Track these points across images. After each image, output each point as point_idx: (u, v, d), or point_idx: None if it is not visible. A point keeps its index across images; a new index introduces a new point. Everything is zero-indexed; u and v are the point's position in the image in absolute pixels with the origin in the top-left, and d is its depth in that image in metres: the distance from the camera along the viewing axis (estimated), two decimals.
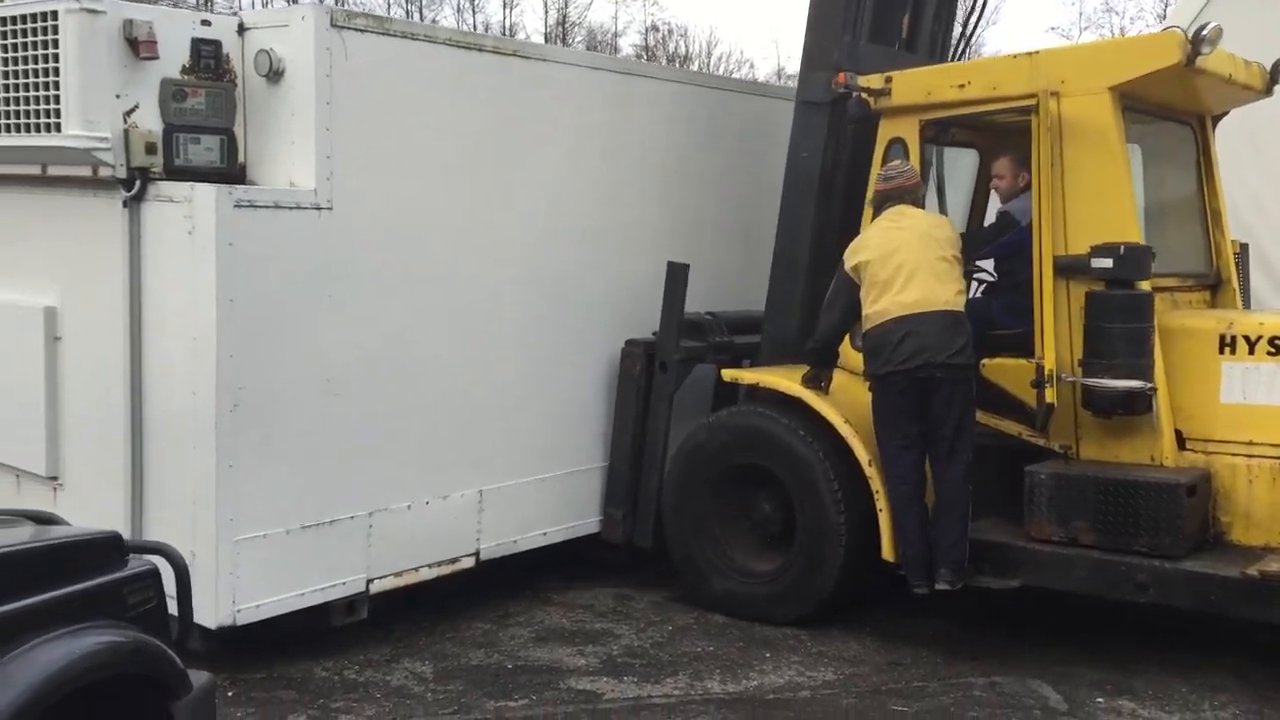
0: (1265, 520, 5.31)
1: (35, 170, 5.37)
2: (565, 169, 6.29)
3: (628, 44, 36.94)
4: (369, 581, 5.52)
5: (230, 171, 5.26)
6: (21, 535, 3.20)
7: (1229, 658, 5.58)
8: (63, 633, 2.88)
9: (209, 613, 4.97)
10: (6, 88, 5.09)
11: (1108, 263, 5.28)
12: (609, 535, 6.66)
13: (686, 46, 36.58)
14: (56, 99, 4.88)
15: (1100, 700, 5.19)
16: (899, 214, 5.72)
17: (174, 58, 5.06)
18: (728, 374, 6.47)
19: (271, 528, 5.10)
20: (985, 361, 5.74)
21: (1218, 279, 6.35)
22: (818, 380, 5.95)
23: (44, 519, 3.48)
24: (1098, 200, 5.49)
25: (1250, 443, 5.37)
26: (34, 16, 4.90)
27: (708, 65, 34.89)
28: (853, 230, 6.34)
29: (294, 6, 5.17)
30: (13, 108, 5.08)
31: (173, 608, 3.35)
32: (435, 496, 5.79)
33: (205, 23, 5.17)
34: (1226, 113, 6.50)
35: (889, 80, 6.09)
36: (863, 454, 5.74)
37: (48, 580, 2.94)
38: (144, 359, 5.12)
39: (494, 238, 5.96)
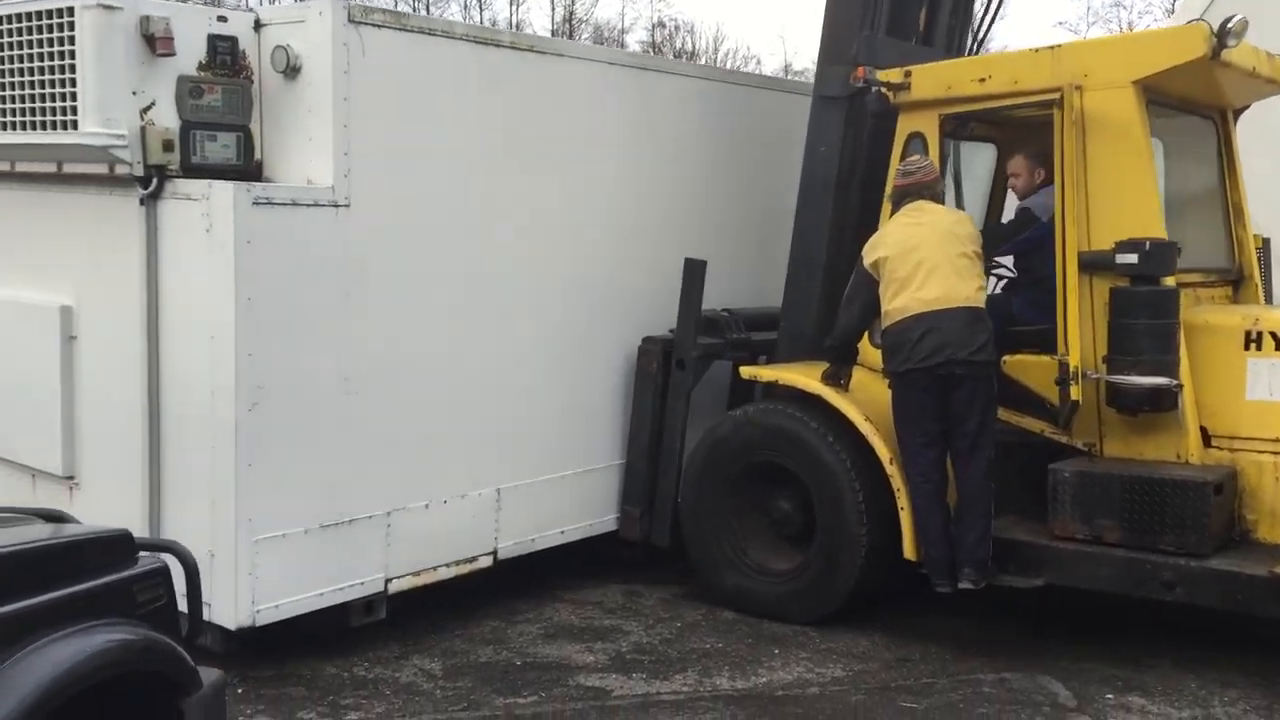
0: None
1: (51, 168, 5.33)
2: (583, 165, 6.24)
3: (634, 40, 36.91)
4: (387, 581, 5.49)
5: (247, 169, 5.22)
6: (32, 533, 3.20)
7: (1239, 654, 5.55)
8: (73, 630, 2.89)
9: (228, 613, 4.94)
10: (23, 85, 5.05)
11: (1133, 259, 5.24)
12: (626, 533, 6.62)
13: (693, 43, 36.54)
14: (73, 96, 4.84)
15: (1110, 696, 5.17)
16: (918, 210, 5.67)
17: (190, 54, 5.02)
18: (746, 371, 6.43)
19: (290, 527, 5.07)
20: (1006, 358, 5.69)
21: (1240, 274, 6.30)
22: (837, 377, 5.90)
23: (54, 517, 3.49)
24: (1121, 195, 5.44)
25: (1276, 439, 5.32)
26: (50, 13, 4.86)
27: (714, 62, 34.84)
28: (870, 226, 6.29)
29: (311, 2, 5.11)
30: (29, 105, 5.04)
31: (184, 605, 3.33)
32: (453, 495, 5.75)
33: (221, 19, 5.12)
34: (1247, 106, 6.45)
35: (908, 74, 6.04)
36: (884, 452, 5.70)
37: (58, 578, 2.95)
38: (161, 358, 5.08)
39: (512, 235, 5.92)
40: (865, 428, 5.77)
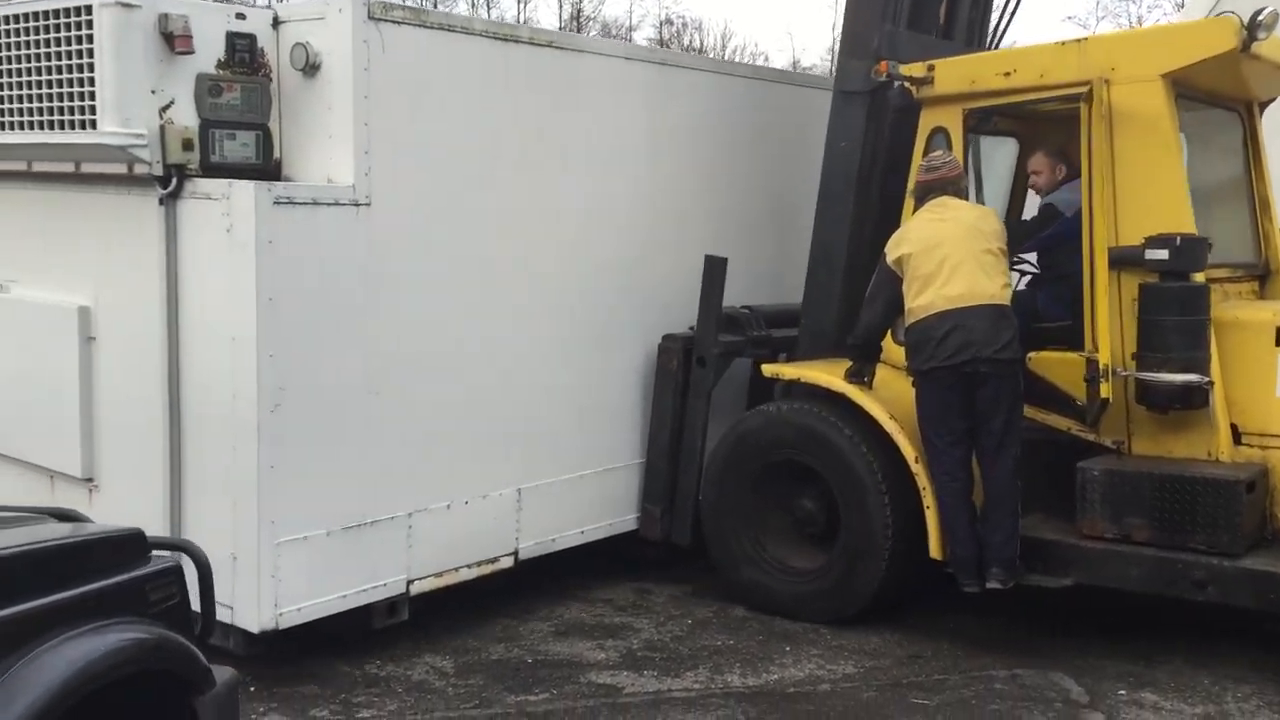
0: None
1: (68, 167, 5.28)
2: (602, 162, 6.18)
3: (642, 38, 36.80)
4: (409, 583, 5.44)
5: (266, 168, 5.17)
6: (45, 532, 3.19)
7: (1252, 650, 5.51)
8: (87, 629, 2.88)
9: (250, 616, 4.90)
10: (40, 84, 5.00)
11: (1163, 254, 5.18)
12: (646, 532, 6.57)
13: (701, 40, 36.39)
14: (91, 95, 4.78)
15: (1123, 692, 5.15)
16: (942, 205, 5.60)
17: (209, 52, 4.96)
18: (768, 369, 6.37)
19: (313, 529, 5.02)
20: (1031, 355, 5.63)
21: (1266, 269, 6.24)
22: (860, 375, 5.84)
23: (67, 516, 3.48)
24: (1149, 191, 5.38)
25: None
26: (69, 11, 4.80)
27: (723, 59, 34.70)
28: (892, 222, 6.23)
29: None
30: (46, 104, 4.99)
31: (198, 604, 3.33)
32: (475, 496, 5.70)
33: (240, 16, 5.06)
34: (1273, 99, 6.38)
35: (931, 68, 5.98)
36: (909, 450, 5.64)
37: (72, 577, 2.95)
38: (181, 359, 5.03)
39: (534, 234, 5.87)
40: (890, 426, 5.71)
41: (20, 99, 5.11)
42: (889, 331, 6.10)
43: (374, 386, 5.19)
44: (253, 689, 4.93)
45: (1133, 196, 5.39)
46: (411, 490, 5.40)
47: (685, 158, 6.64)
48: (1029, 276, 6.37)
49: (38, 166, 5.46)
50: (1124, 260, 5.34)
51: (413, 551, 5.43)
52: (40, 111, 5.03)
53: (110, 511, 4.82)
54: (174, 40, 4.77)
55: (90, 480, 5.46)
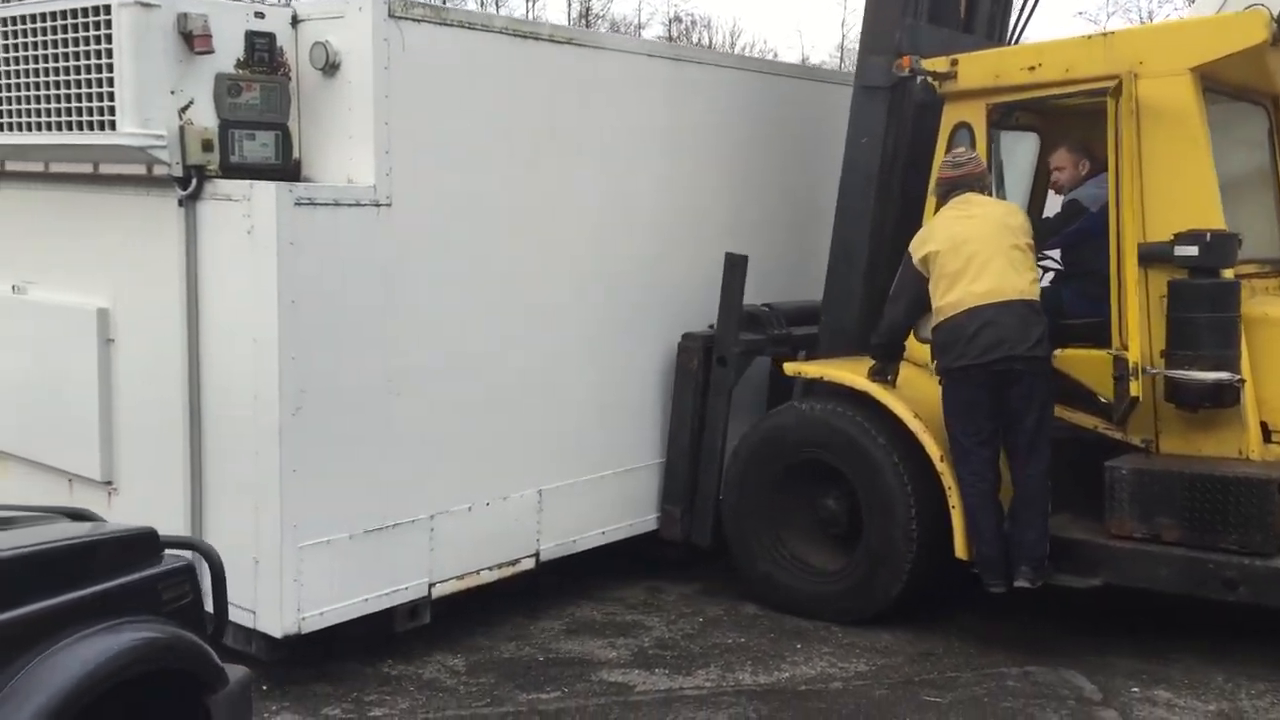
0: None
1: (86, 168, 5.24)
2: (622, 159, 6.12)
3: (650, 35, 36.62)
4: (431, 586, 5.40)
5: (285, 168, 5.12)
6: (58, 532, 3.21)
7: (1266, 647, 5.47)
8: (100, 628, 2.90)
9: (273, 621, 4.86)
10: (58, 85, 4.95)
11: (1193, 251, 5.11)
12: (666, 533, 6.52)
13: (710, 37, 36.24)
14: (110, 96, 4.73)
15: (1135, 690, 5.12)
16: (967, 202, 5.54)
17: (228, 51, 4.91)
18: (790, 367, 6.32)
19: (335, 533, 4.98)
20: (1055, 352, 5.56)
21: None
22: (884, 374, 5.78)
23: (80, 515, 3.49)
24: (1178, 186, 5.32)
25: None
26: (87, 10, 4.75)
27: (742, 55, 34.50)
28: (913, 218, 6.18)
29: None
30: (64, 105, 4.94)
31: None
32: (496, 497, 5.66)
33: (259, 15, 5.01)
34: None
35: (955, 63, 5.92)
36: (933, 449, 5.59)
37: (85, 576, 2.96)
38: (201, 361, 4.99)
39: (553, 232, 5.82)
40: (914, 424, 5.66)
41: (38, 99, 5.06)
42: (911, 329, 6.07)
43: (395, 388, 5.15)
44: (265, 687, 4.92)
45: (1160, 192, 5.33)
46: (433, 492, 5.36)
47: (704, 154, 6.58)
48: (1051, 273, 6.30)
49: (55, 167, 5.42)
50: (1153, 256, 5.28)
51: (434, 554, 5.39)
52: (58, 112, 4.98)
53: (129, 514, 4.76)
54: (193, 40, 4.73)
55: (109, 483, 5.42)
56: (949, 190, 5.62)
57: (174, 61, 4.76)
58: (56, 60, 4.93)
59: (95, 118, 4.83)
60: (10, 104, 5.20)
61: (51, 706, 2.71)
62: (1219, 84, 5.61)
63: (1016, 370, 5.24)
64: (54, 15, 4.91)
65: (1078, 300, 5.79)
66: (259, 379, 4.79)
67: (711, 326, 6.48)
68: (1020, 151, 6.96)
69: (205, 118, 4.87)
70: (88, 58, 4.80)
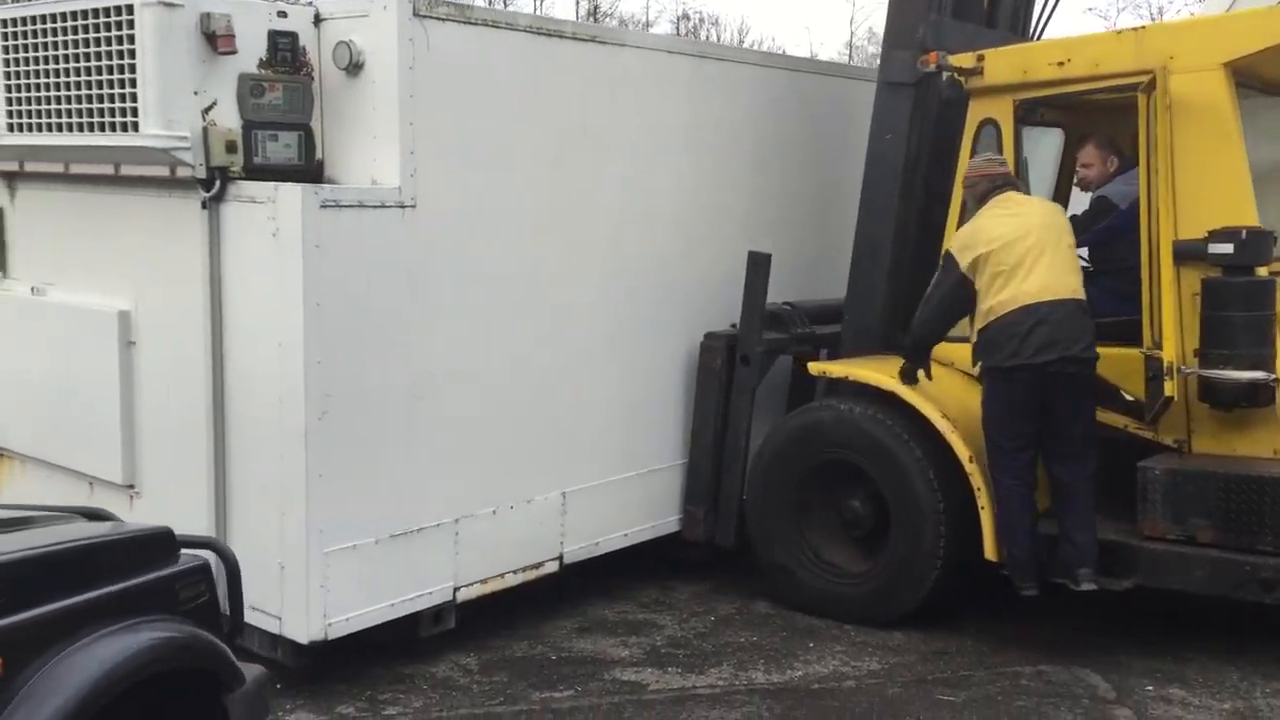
0: None
1: (107, 170, 5.18)
2: (645, 157, 6.06)
3: (658, 33, 36.50)
4: (456, 590, 5.35)
5: (308, 169, 5.07)
6: (76, 531, 3.21)
7: None
8: (118, 628, 2.91)
9: (299, 627, 4.82)
10: (80, 85, 4.90)
11: (1228, 248, 5.05)
12: (689, 534, 6.47)
13: (718, 35, 36.11)
14: (133, 97, 4.68)
15: (1150, 688, 5.10)
16: (1010, 200, 5.45)
17: (251, 51, 4.85)
18: (814, 367, 6.26)
19: (361, 538, 4.93)
20: None
21: None
22: (913, 375, 5.69)
23: (97, 515, 3.51)
24: (1211, 182, 5.24)
25: None
26: (109, 10, 4.70)
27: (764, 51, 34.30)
28: (937, 216, 6.13)
29: None
30: (86, 105, 4.89)
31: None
32: (520, 501, 5.61)
33: (282, 14, 4.95)
34: None
35: (981, 59, 5.85)
36: (962, 450, 5.53)
37: (102, 576, 2.97)
38: (225, 364, 4.94)
39: (577, 232, 5.76)
40: (942, 425, 5.60)
41: (60, 100, 5.01)
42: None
43: (420, 391, 5.10)
44: (280, 685, 4.89)
45: (1192, 188, 5.25)
46: (457, 496, 5.31)
47: (726, 151, 6.52)
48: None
49: (75, 168, 5.36)
50: (1186, 254, 5.21)
51: (459, 558, 5.34)
52: (80, 113, 4.92)
53: (151, 518, 4.69)
54: (217, 40, 4.67)
55: (131, 487, 5.38)
56: (990, 189, 5.49)
57: (197, 62, 4.71)
58: (78, 61, 4.88)
59: (118, 119, 4.78)
60: (32, 104, 5.15)
61: (70, 707, 2.71)
62: (1251, 79, 5.54)
63: (1069, 372, 5.17)
64: (76, 15, 4.86)
65: (1106, 298, 5.71)
66: (284, 382, 4.74)
67: (734, 325, 6.43)
68: (1044, 148, 6.91)
69: (228, 119, 4.81)
70: (110, 58, 4.75)
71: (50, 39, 4.99)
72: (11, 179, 5.89)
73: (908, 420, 5.72)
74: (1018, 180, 5.57)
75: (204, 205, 4.85)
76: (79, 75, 4.90)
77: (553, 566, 5.83)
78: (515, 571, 5.64)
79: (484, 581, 5.49)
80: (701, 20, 37.34)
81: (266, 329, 4.78)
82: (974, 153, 5.91)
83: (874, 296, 6.34)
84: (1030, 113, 6.05)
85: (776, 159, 6.81)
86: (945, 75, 5.93)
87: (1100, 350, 5.52)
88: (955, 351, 5.99)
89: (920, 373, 5.67)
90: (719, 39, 36.15)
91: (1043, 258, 5.23)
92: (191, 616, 3.15)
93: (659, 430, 6.33)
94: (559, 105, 5.59)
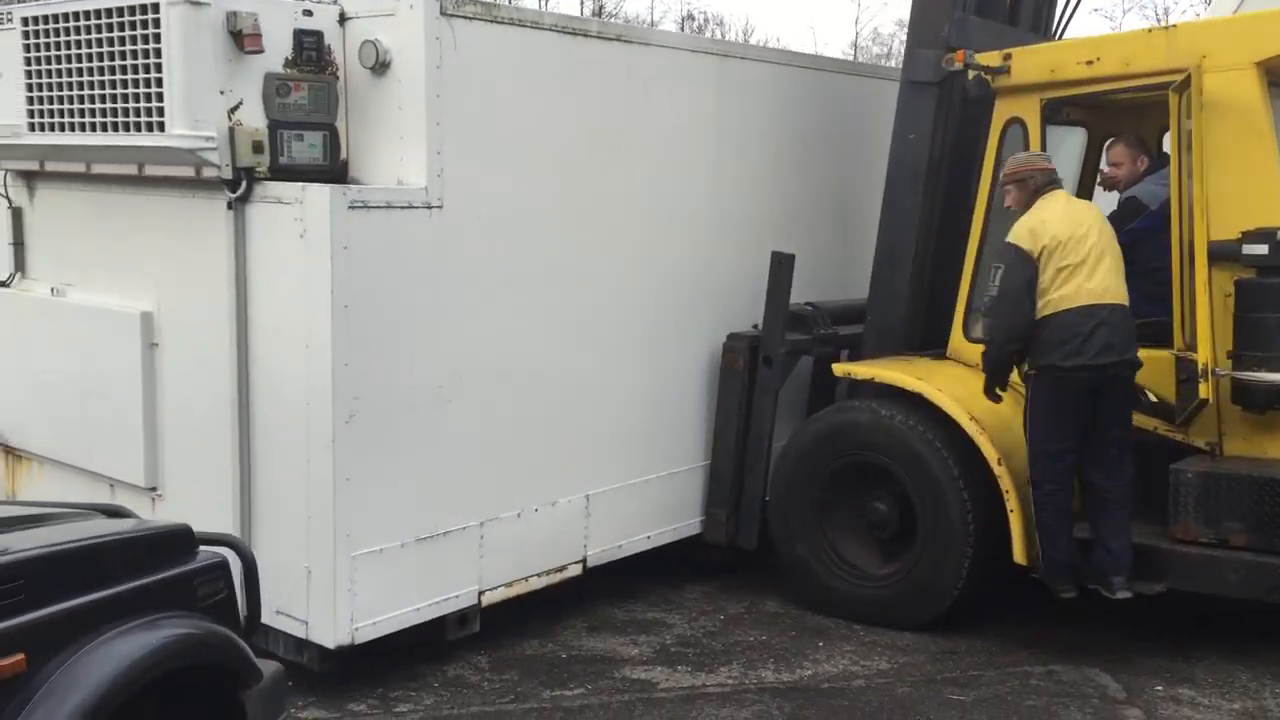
0: None
1: (130, 170, 5.13)
2: (669, 157, 6.01)
3: None
4: (480, 593, 5.31)
5: (333, 169, 5.02)
6: (97, 528, 3.21)
7: None
8: (138, 624, 2.93)
9: (326, 632, 4.78)
10: (104, 85, 4.84)
11: (1262, 249, 5.02)
12: (711, 536, 6.42)
13: (723, 36, 35.99)
14: (159, 96, 4.63)
15: (1160, 688, 5.09)
16: (1064, 197, 5.40)
17: (276, 51, 4.80)
18: (839, 368, 6.22)
19: (388, 542, 4.88)
20: None
21: None
22: (994, 390, 5.36)
23: (116, 512, 3.52)
24: (1243, 183, 5.20)
25: None
26: (135, 9, 4.64)
27: (787, 51, 34.19)
28: (962, 216, 6.09)
29: None
30: (111, 105, 4.84)
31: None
32: (544, 503, 5.56)
33: (307, 13, 4.90)
34: None
35: (1008, 57, 5.82)
36: (990, 452, 5.48)
37: (122, 572, 2.99)
38: (251, 367, 4.89)
39: (603, 232, 5.71)
40: (970, 427, 5.55)
41: (83, 100, 4.96)
42: (960, 325, 5.96)
43: (447, 393, 5.05)
44: (291, 683, 4.82)
45: (1225, 188, 5.21)
46: (483, 499, 5.27)
47: (748, 150, 6.47)
48: None
49: (97, 168, 5.32)
50: (1219, 255, 5.17)
51: (484, 561, 5.30)
52: (105, 113, 4.87)
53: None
54: (243, 39, 4.61)
55: (154, 489, 5.33)
56: (1046, 182, 5.37)
57: (223, 61, 4.65)
58: (103, 60, 4.82)
59: (143, 119, 4.72)
60: (54, 104, 5.10)
61: (91, 703, 2.71)
62: None
63: (1124, 376, 5.15)
64: (101, 14, 4.80)
65: (1137, 299, 5.66)
66: (311, 385, 4.69)
67: (756, 326, 6.38)
68: (1066, 147, 6.86)
69: (254, 119, 4.76)
70: (136, 57, 4.69)
71: (74, 38, 4.94)
72: (31, 179, 5.85)
73: (934, 422, 5.67)
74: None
75: (230, 206, 4.80)
76: (103, 74, 4.84)
77: (576, 569, 5.79)
78: (540, 575, 5.60)
79: (508, 585, 5.45)
80: (706, 20, 37.23)
81: (293, 330, 4.73)
82: (999, 152, 5.86)
83: (896, 298, 6.31)
84: (1056, 112, 6.01)
85: (798, 158, 6.76)
86: (971, 74, 5.88)
87: None
88: (978, 352, 5.95)
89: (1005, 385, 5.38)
90: (724, 39, 36.06)
91: (1104, 259, 5.18)
92: (210, 613, 3.17)
93: (681, 432, 6.29)
94: (585, 105, 5.54)
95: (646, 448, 6.09)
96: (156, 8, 4.57)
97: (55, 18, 5.01)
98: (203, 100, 4.63)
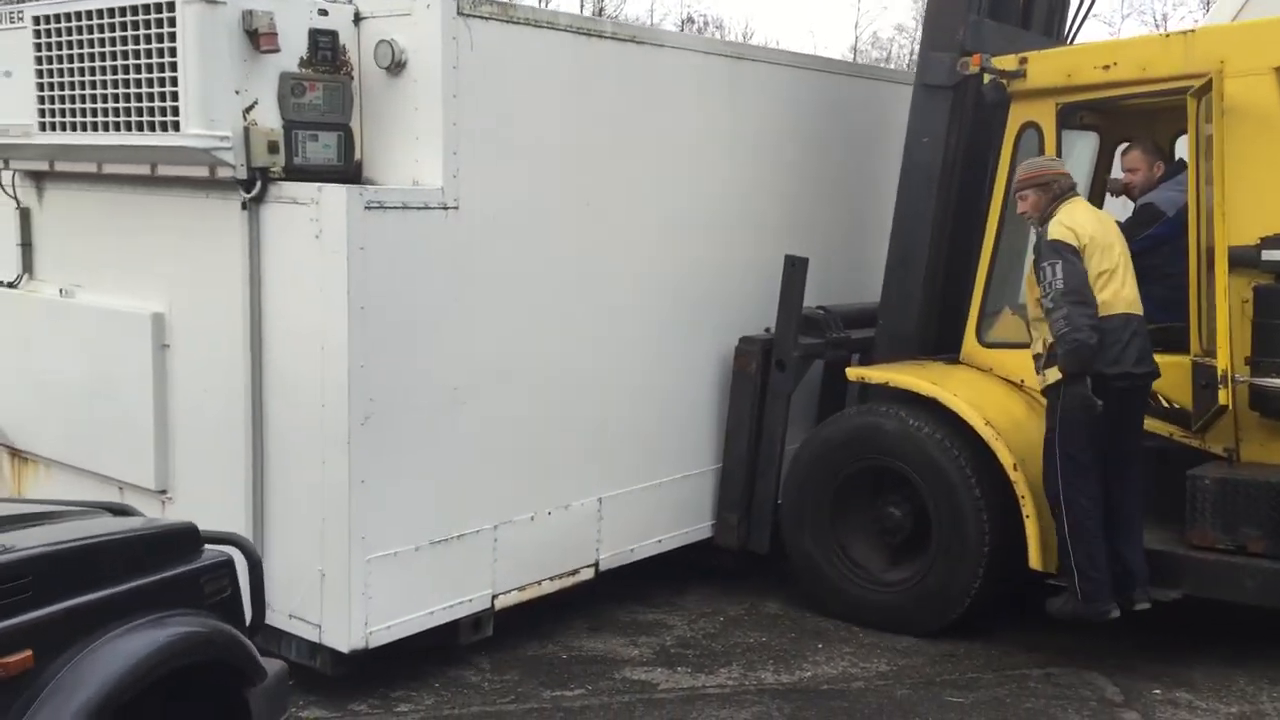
0: None
1: (142, 170, 5.09)
2: (683, 159, 5.98)
3: None
4: (494, 597, 5.27)
5: (347, 170, 4.98)
6: (103, 526, 3.21)
7: None
8: (144, 621, 2.93)
9: (340, 635, 4.74)
10: (118, 84, 4.80)
11: None
12: (723, 540, 6.39)
13: (722, 38, 36.04)
14: (174, 96, 4.59)
15: (1157, 692, 5.09)
16: (1086, 204, 5.39)
17: (292, 50, 4.76)
18: (853, 373, 6.19)
19: (402, 545, 4.85)
20: None
21: None
22: (1087, 397, 4.99)
23: (122, 511, 3.53)
24: (1262, 188, 5.18)
25: None
26: (150, 7, 4.61)
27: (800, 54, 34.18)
28: (975, 220, 6.06)
29: None
30: (124, 105, 4.79)
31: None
32: (557, 506, 5.53)
33: (322, 12, 4.86)
34: None
35: (1024, 61, 5.79)
36: (1006, 457, 5.46)
37: (128, 570, 2.99)
38: (264, 368, 4.85)
39: (617, 234, 5.68)
40: (986, 432, 5.53)
41: (96, 99, 4.91)
42: (974, 328, 5.94)
43: (460, 396, 5.02)
44: (293, 682, 4.79)
45: (1243, 194, 5.19)
46: (497, 502, 5.23)
47: (761, 152, 6.44)
48: None
49: (108, 168, 5.27)
50: (1238, 261, 5.15)
51: (497, 565, 5.27)
52: (118, 112, 4.83)
53: None
54: (259, 38, 4.58)
55: (164, 492, 5.29)
56: (1069, 186, 5.34)
57: (239, 60, 4.62)
58: (117, 59, 4.78)
59: (157, 118, 4.68)
60: (66, 103, 5.06)
61: (97, 700, 2.72)
62: None
63: (1147, 387, 5.17)
64: (114, 12, 4.76)
65: (1153, 305, 5.65)
66: (326, 387, 4.66)
67: (768, 330, 6.35)
68: (1078, 151, 6.84)
69: (269, 118, 4.73)
70: (150, 56, 4.65)
71: (88, 36, 4.90)
72: (39, 179, 5.81)
73: (948, 427, 5.65)
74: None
75: (244, 206, 4.76)
76: (117, 73, 4.80)
77: (588, 574, 5.75)
78: (552, 578, 5.57)
79: (521, 589, 5.41)
80: (706, 23, 37.20)
81: (308, 332, 4.69)
82: (1014, 156, 5.84)
83: (909, 302, 6.28)
84: (1070, 116, 5.99)
85: (811, 161, 6.74)
86: (987, 78, 5.85)
87: None
88: (994, 357, 5.94)
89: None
90: (737, 41, 36.07)
91: (1130, 268, 5.19)
92: (215, 611, 3.18)
93: (693, 435, 6.26)
94: (599, 106, 5.51)
95: (659, 451, 6.06)
96: (172, 6, 4.53)
97: (67, 16, 4.97)
98: (218, 100, 4.59)
